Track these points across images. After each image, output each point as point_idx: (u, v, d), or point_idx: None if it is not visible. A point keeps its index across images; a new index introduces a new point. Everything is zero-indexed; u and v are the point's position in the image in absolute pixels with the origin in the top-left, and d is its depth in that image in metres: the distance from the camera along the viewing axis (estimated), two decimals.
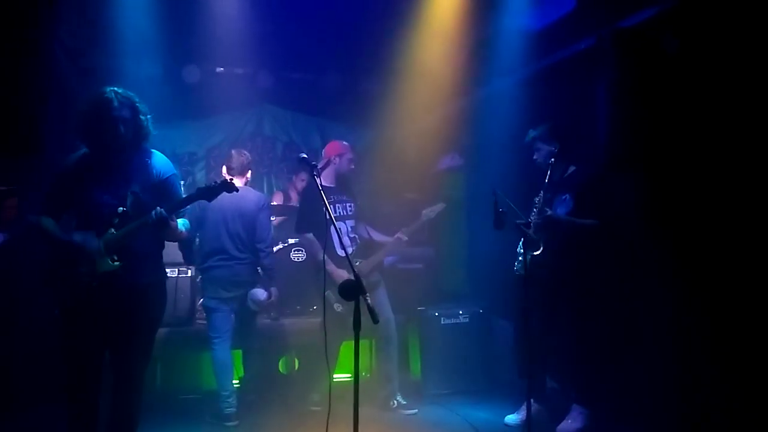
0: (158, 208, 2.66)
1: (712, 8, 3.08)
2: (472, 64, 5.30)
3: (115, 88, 2.77)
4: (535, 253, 3.53)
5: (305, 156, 3.22)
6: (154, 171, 2.84)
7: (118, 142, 2.73)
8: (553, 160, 3.64)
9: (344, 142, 4.19)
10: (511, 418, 3.75)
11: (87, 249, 2.66)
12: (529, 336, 3.58)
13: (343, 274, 3.69)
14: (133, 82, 3.45)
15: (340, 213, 4.01)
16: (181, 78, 5.63)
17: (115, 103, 2.70)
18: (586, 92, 3.61)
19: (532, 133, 3.78)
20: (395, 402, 4.11)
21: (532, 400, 3.28)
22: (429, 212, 4.08)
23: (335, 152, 4.08)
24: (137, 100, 2.80)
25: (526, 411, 3.21)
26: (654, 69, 3.16)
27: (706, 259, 3.14)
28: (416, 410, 4.08)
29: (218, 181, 2.81)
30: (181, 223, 2.89)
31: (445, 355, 4.43)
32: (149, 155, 2.88)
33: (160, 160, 2.89)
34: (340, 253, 3.77)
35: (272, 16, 4.81)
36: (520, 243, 3.61)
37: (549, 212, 3.53)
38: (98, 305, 2.68)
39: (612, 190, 3.57)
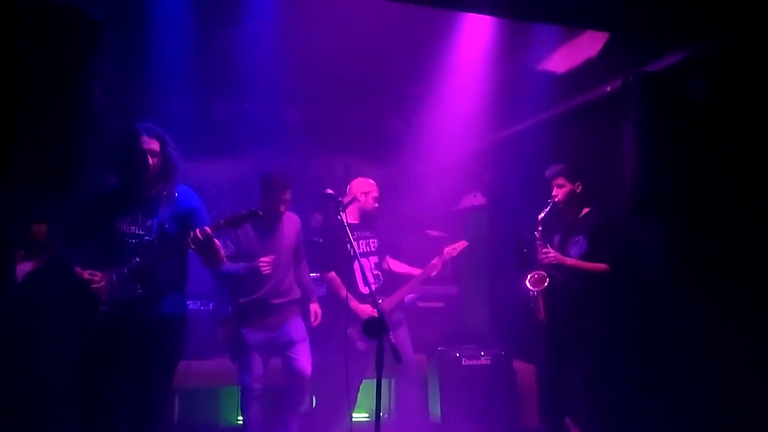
0: (202, 227, 2.74)
1: (742, 54, 3.08)
2: (497, 103, 5.36)
3: (146, 123, 2.89)
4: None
5: (331, 192, 3.26)
6: (181, 203, 2.92)
7: (146, 175, 2.83)
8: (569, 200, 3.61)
9: (370, 180, 4.22)
10: None
11: (89, 287, 2.70)
12: (550, 380, 3.52)
13: (366, 310, 3.68)
14: (163, 117, 3.54)
15: (363, 249, 4.02)
16: (210, 114, 5.79)
17: (144, 137, 2.82)
18: (609, 135, 3.61)
19: (555, 169, 3.70)
20: None
21: None
22: (451, 250, 4.07)
23: (361, 189, 4.10)
24: (166, 134, 2.90)
25: None
26: (681, 114, 3.16)
27: (735, 305, 3.07)
28: None
29: (245, 211, 2.90)
30: None
31: (465, 396, 4.33)
32: (176, 188, 2.95)
33: (186, 193, 2.98)
34: (363, 290, 3.77)
35: (298, 53, 4.93)
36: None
37: (551, 252, 3.47)
38: (119, 335, 2.73)
39: (629, 234, 3.53)
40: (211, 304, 4.76)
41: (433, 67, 5.06)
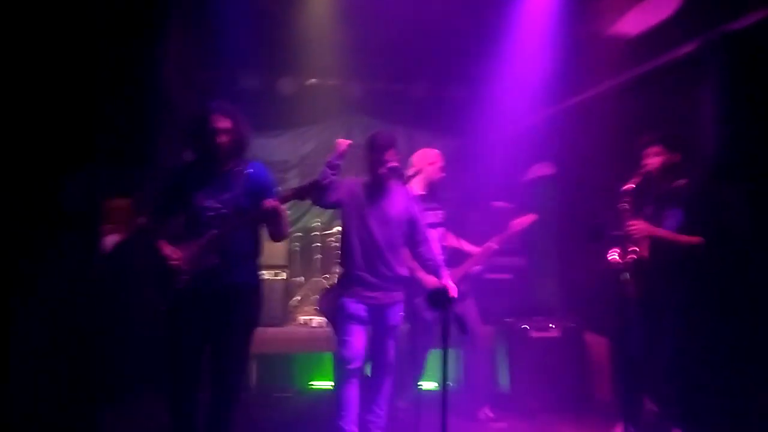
0: (269, 199, 2.85)
1: None
2: (566, 69, 5.17)
3: (219, 101, 2.98)
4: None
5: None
6: (253, 178, 3.02)
7: (218, 152, 2.94)
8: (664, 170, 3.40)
9: (434, 150, 4.18)
10: None
11: (169, 261, 2.85)
12: (627, 354, 3.41)
13: (432, 281, 3.67)
14: (232, 94, 3.65)
15: (431, 221, 4.00)
16: (276, 90, 5.90)
17: (216, 116, 2.92)
18: (687, 100, 3.41)
19: (650, 137, 3.43)
20: (483, 414, 4.05)
21: (629, 424, 3.11)
22: (517, 224, 4.00)
23: (426, 161, 4.07)
24: (238, 112, 2.99)
25: None
26: (765, 76, 2.94)
27: None
28: (505, 424, 4.01)
29: (308, 183, 3.02)
30: None
31: (534, 368, 4.31)
32: (249, 164, 3.06)
33: (258, 169, 3.08)
34: None
35: (362, 27, 4.93)
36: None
37: (640, 224, 3.29)
38: (199, 302, 2.89)
39: (725, 203, 3.31)
40: (284, 274, 4.93)
41: (499, 34, 4.94)
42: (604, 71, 4.64)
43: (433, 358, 4.11)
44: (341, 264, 3.47)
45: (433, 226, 3.97)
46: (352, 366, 3.27)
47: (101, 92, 1.79)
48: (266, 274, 4.80)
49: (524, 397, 4.29)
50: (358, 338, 3.29)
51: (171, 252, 2.86)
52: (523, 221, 3.98)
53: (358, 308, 3.29)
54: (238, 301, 2.96)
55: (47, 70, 1.60)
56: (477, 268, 4.19)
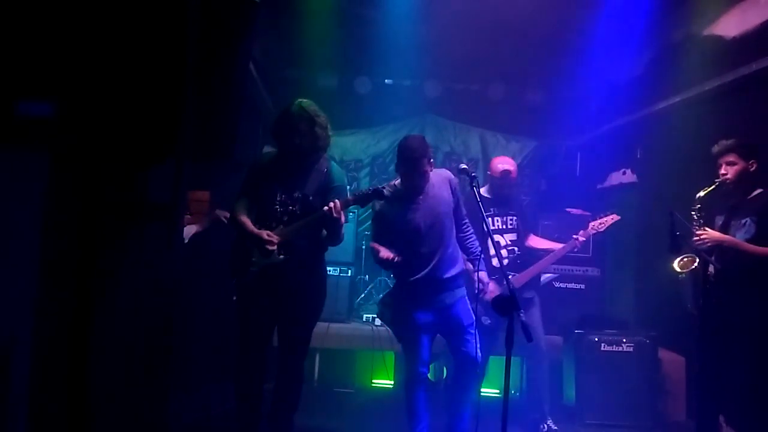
0: (332, 203, 2.90)
1: None
2: (652, 73, 4.93)
3: (302, 101, 3.06)
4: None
5: (465, 166, 3.24)
6: (327, 179, 3.09)
7: (295, 150, 3.02)
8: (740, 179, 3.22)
9: (507, 157, 4.09)
10: None
11: (262, 242, 2.94)
12: (703, 374, 3.23)
13: (491, 287, 3.61)
14: (310, 92, 3.72)
15: (500, 226, 3.94)
16: (353, 89, 5.98)
17: (295, 116, 2.99)
18: None
19: (725, 145, 3.27)
20: (545, 426, 3.94)
21: None
22: (599, 224, 3.84)
23: (498, 167, 3.97)
24: (319, 113, 3.05)
25: None
26: None
27: None
28: None
29: (370, 190, 3.02)
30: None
31: (603, 384, 4.13)
32: (326, 164, 3.13)
33: (334, 170, 3.15)
34: (495, 264, 3.66)
35: (440, 27, 4.90)
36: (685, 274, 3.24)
37: (708, 234, 3.13)
38: (266, 294, 3.00)
39: None
40: (350, 271, 5.00)
41: (583, 35, 4.76)
42: (697, 75, 4.38)
43: (494, 364, 4.04)
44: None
45: (501, 231, 3.91)
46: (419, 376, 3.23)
47: (187, 87, 1.87)
48: (333, 271, 4.89)
49: (590, 411, 4.13)
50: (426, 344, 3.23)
51: (268, 236, 2.93)
52: (604, 221, 3.82)
53: (423, 317, 3.19)
54: (301, 295, 3.05)
55: (137, 63, 1.68)
56: (547, 276, 4.07)
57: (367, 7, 4.88)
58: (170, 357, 3.17)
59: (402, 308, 3.22)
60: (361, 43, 5.25)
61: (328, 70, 5.81)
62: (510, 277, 3.36)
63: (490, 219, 3.81)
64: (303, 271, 3.04)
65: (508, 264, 3.78)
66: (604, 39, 4.76)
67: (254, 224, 3.02)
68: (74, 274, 1.72)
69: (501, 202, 3.93)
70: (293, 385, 3.13)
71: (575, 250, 3.87)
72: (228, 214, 3.46)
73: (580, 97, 5.75)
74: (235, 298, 3.11)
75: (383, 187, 3.08)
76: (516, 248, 3.91)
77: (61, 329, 1.70)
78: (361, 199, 3.01)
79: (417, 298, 3.17)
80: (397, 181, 3.23)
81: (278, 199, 3.03)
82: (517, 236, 3.95)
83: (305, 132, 2.99)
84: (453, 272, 3.21)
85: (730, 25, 4.15)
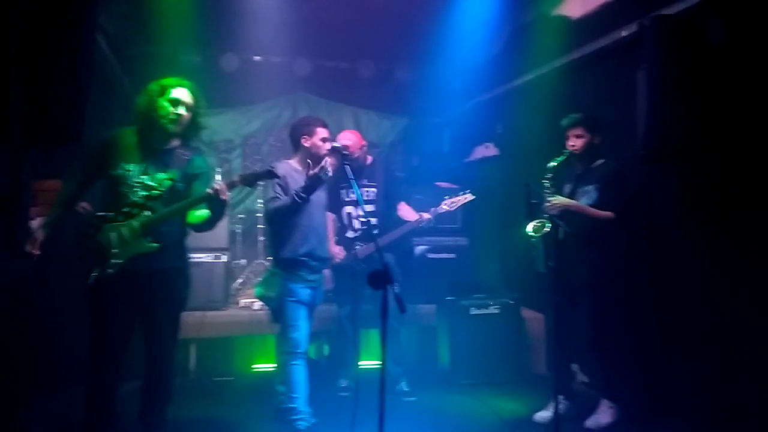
0: (217, 182, 2.81)
1: None
2: (510, 52, 5.22)
3: (180, 81, 2.90)
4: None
5: (338, 145, 3.38)
6: (193, 164, 2.97)
7: (167, 132, 2.87)
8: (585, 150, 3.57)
9: (355, 132, 4.26)
10: (541, 415, 3.70)
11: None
12: (558, 329, 3.56)
13: (335, 251, 3.98)
14: (172, 70, 3.51)
15: (352, 198, 4.11)
16: (219, 66, 5.73)
17: (173, 96, 2.84)
18: (624, 83, 3.51)
19: (573, 119, 3.60)
20: (399, 388, 4.11)
21: (561, 397, 3.24)
22: (450, 203, 3.98)
23: (341, 141, 3.97)
24: (197, 94, 2.92)
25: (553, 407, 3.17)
26: (697, 59, 3.04)
27: (743, 255, 3.05)
28: (415, 398, 4.07)
29: (261, 170, 3.00)
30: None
31: (474, 345, 4.40)
32: (191, 148, 3.02)
33: (198, 155, 3.04)
34: (350, 235, 4.09)
35: (308, 3, 4.84)
36: (538, 238, 3.54)
37: (557, 201, 3.46)
38: (128, 285, 2.81)
39: (639, 183, 3.48)
40: (224, 257, 4.84)
41: (446, 15, 4.93)
42: (547, 53, 4.71)
43: (375, 337, 4.15)
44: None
45: (356, 203, 4.04)
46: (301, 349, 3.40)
47: (16, 64, 1.67)
48: (206, 257, 4.72)
49: (464, 373, 4.38)
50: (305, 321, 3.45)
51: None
52: (456, 200, 4.00)
53: (304, 292, 3.43)
54: (167, 284, 2.91)
55: None
56: (420, 248, 4.21)
57: None
58: (25, 356, 2.89)
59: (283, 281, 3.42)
60: (227, 18, 5.02)
61: (191, 47, 5.46)
62: (358, 247, 3.98)
63: (344, 191, 4.13)
64: (170, 260, 2.90)
65: (361, 234, 4.04)
66: (465, 18, 4.96)
67: (106, 208, 2.82)
68: None
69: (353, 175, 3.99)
70: (164, 380, 2.98)
71: (420, 225, 4.00)
72: (87, 205, 3.20)
73: (447, 76, 5.95)
74: (89, 292, 2.84)
75: (272, 167, 3.08)
76: (372, 219, 3.98)
77: None
78: (248, 179, 2.93)
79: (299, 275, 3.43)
80: (292, 160, 3.48)
81: (142, 182, 2.84)
82: (376, 207, 4.05)
83: (181, 115, 2.85)
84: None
85: (575, 6, 4.50)
